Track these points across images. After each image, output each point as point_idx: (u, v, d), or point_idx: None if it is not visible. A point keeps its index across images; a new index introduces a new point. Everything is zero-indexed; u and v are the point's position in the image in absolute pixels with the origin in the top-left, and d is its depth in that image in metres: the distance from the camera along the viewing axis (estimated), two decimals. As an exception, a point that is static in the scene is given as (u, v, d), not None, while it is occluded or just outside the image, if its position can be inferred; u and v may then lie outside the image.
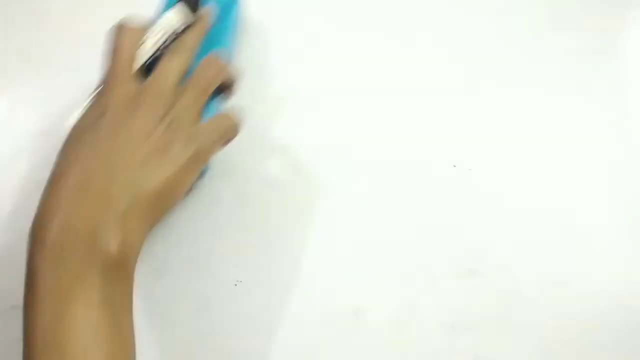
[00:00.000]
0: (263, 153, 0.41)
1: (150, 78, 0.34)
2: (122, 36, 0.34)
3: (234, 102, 0.39)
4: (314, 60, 0.46)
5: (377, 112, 0.44)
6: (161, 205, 0.32)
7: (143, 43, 0.35)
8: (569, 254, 0.39)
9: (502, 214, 0.40)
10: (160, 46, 0.36)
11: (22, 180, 0.41)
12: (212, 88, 0.35)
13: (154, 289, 0.38)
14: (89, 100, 0.34)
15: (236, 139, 0.37)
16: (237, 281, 0.38)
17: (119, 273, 0.29)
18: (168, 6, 0.39)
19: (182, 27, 0.37)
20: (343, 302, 0.38)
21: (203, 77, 0.35)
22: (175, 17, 0.36)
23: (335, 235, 0.40)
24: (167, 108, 0.33)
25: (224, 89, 0.37)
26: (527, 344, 0.36)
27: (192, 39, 0.36)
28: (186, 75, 0.35)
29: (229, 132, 0.36)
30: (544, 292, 0.38)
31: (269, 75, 0.45)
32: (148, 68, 0.35)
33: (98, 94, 0.33)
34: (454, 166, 0.42)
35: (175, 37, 0.36)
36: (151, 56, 0.35)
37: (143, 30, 0.35)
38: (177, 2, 0.37)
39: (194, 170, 0.34)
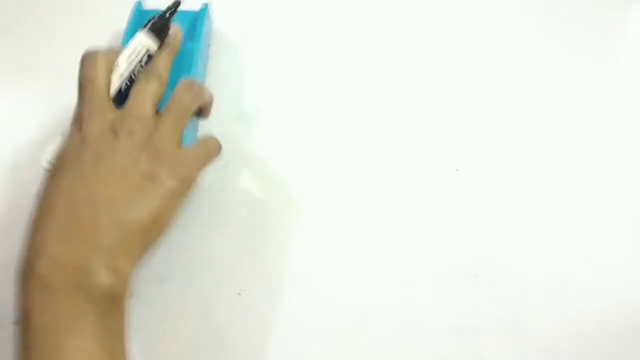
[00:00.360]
0: (264, 159, 0.41)
1: (128, 104, 0.33)
2: (95, 63, 0.33)
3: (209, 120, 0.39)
4: (299, 68, 0.46)
5: (377, 115, 0.44)
6: (150, 236, 0.31)
7: (116, 67, 0.34)
8: (572, 258, 0.39)
9: (506, 217, 0.40)
10: (134, 70, 0.35)
11: (22, 189, 0.41)
12: (191, 113, 0.35)
13: (157, 298, 0.38)
14: (63, 132, 0.33)
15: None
16: (241, 290, 0.38)
17: (111, 306, 0.29)
18: (133, 27, 0.38)
19: (154, 49, 0.35)
20: (347, 308, 0.38)
21: (181, 103, 0.34)
22: (145, 39, 0.35)
23: (338, 241, 0.40)
24: (148, 134, 0.32)
25: (199, 111, 0.37)
26: (531, 347, 0.37)
27: (165, 61, 0.35)
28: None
29: (211, 155, 0.36)
30: (547, 295, 0.38)
31: (242, 91, 0.44)
32: (122, 93, 0.34)
33: (74, 124, 0.32)
34: (457, 170, 0.42)
35: (148, 59, 0.35)
36: (125, 81, 0.34)
37: (114, 55, 0.34)
38: (145, 25, 0.35)
39: (182, 197, 0.33)
